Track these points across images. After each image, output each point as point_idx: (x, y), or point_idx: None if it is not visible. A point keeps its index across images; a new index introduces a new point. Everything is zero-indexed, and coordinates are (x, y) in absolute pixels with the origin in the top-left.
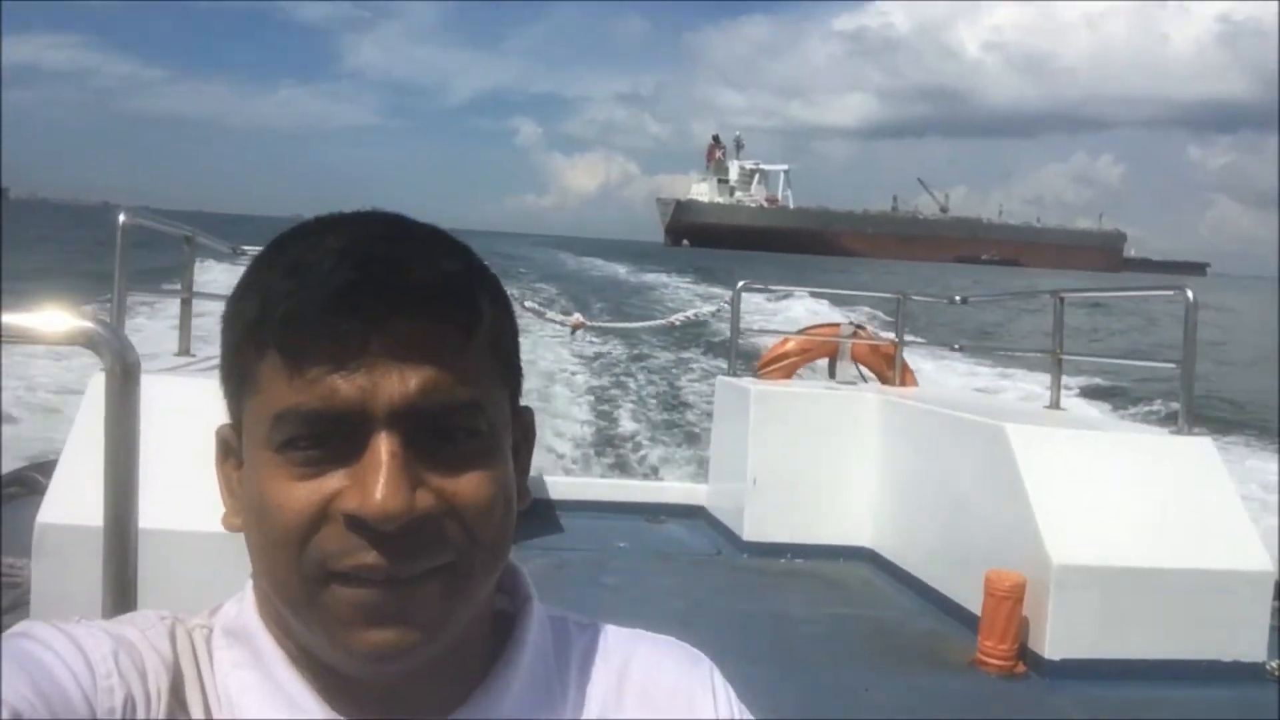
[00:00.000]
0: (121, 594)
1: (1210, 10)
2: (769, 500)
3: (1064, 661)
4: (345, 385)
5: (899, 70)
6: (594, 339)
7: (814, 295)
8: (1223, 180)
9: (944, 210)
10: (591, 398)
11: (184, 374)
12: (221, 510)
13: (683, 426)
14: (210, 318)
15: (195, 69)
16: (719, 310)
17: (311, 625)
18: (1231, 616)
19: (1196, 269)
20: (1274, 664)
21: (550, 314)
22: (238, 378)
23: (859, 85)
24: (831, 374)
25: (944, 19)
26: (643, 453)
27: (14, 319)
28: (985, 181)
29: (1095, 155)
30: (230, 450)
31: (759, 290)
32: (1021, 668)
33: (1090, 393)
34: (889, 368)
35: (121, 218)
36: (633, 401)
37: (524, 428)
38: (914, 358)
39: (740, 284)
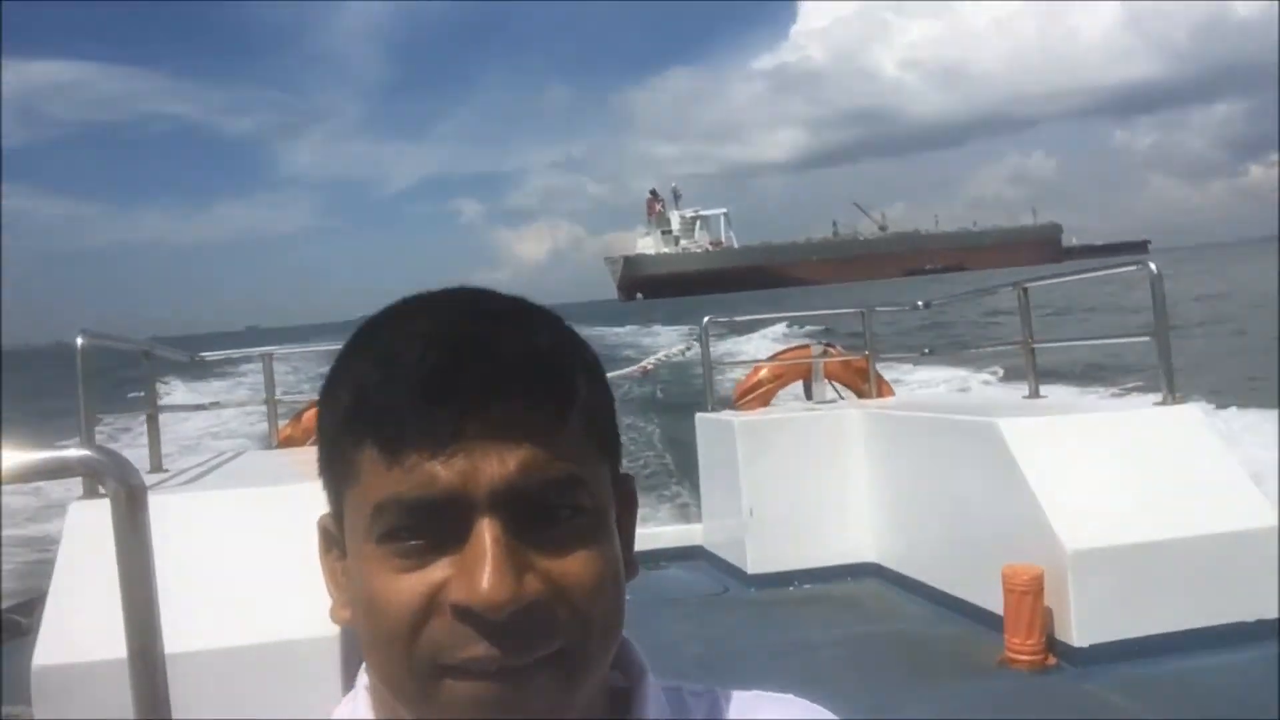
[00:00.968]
0: None
1: None
2: (769, 530)
3: (1093, 647)
4: (444, 471)
5: (824, 100)
6: None
7: (785, 322)
8: (1151, 158)
9: (883, 228)
10: None
11: (166, 490)
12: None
13: (660, 473)
14: (174, 430)
15: (129, 199)
16: (689, 348)
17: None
18: (1248, 576)
19: (1138, 247)
20: None
21: None
22: (337, 468)
23: (787, 120)
24: (808, 395)
25: (858, 44)
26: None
27: (7, 457)
28: (925, 194)
29: (1027, 153)
30: (333, 540)
31: (725, 323)
32: (1052, 660)
33: (1053, 379)
34: (863, 381)
35: (80, 340)
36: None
37: (625, 497)
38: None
39: (706, 319)
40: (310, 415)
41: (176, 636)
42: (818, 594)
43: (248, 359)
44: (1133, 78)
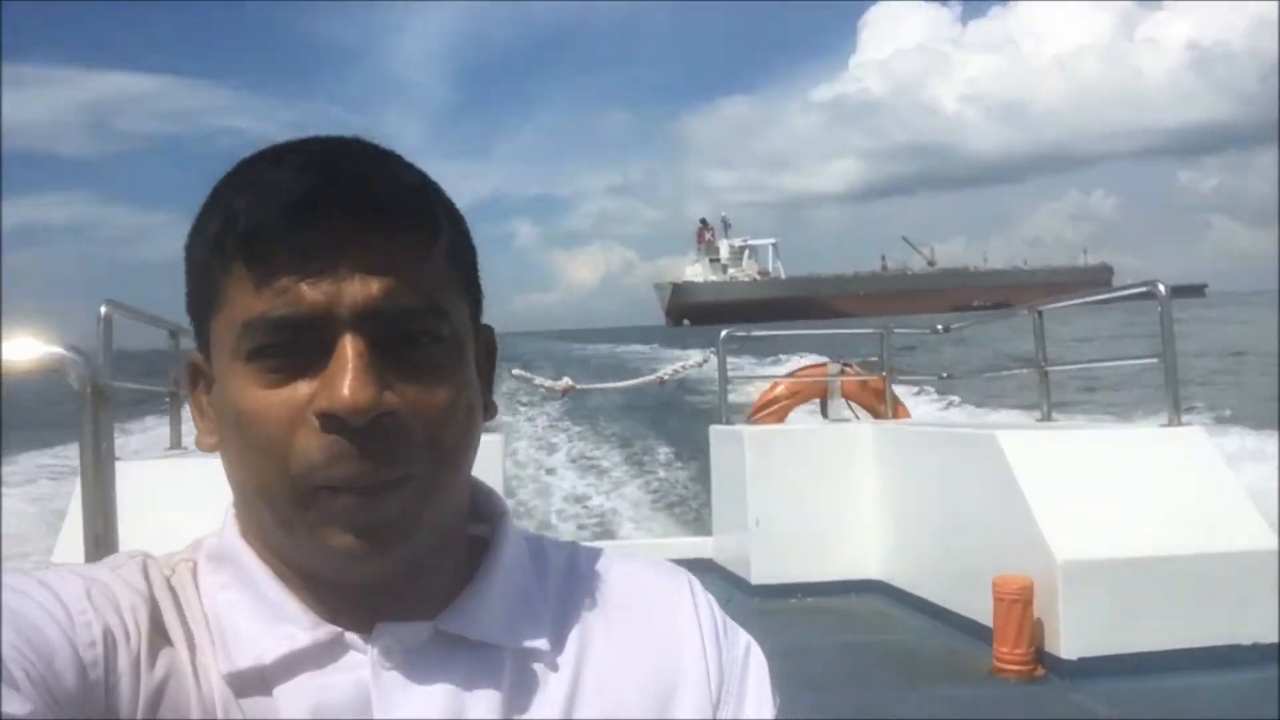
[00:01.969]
0: None
1: (1177, 40)
2: (774, 542)
3: (1081, 660)
4: (311, 291)
5: (881, 132)
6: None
7: (801, 339)
8: (1215, 201)
9: (931, 264)
10: (582, 470)
11: (180, 458)
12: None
13: (673, 490)
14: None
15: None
16: (705, 361)
17: (297, 530)
18: (1243, 598)
19: (1195, 291)
20: None
21: (539, 379)
22: (204, 297)
23: (844, 151)
24: (824, 414)
25: (918, 77)
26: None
27: None
28: (982, 230)
29: (1087, 191)
30: (200, 373)
31: (742, 337)
32: (1040, 671)
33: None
34: (880, 402)
35: (103, 309)
36: (625, 466)
37: (486, 346)
38: (903, 399)
39: (724, 332)
40: None
41: None
42: (819, 606)
43: None
44: (1198, 119)
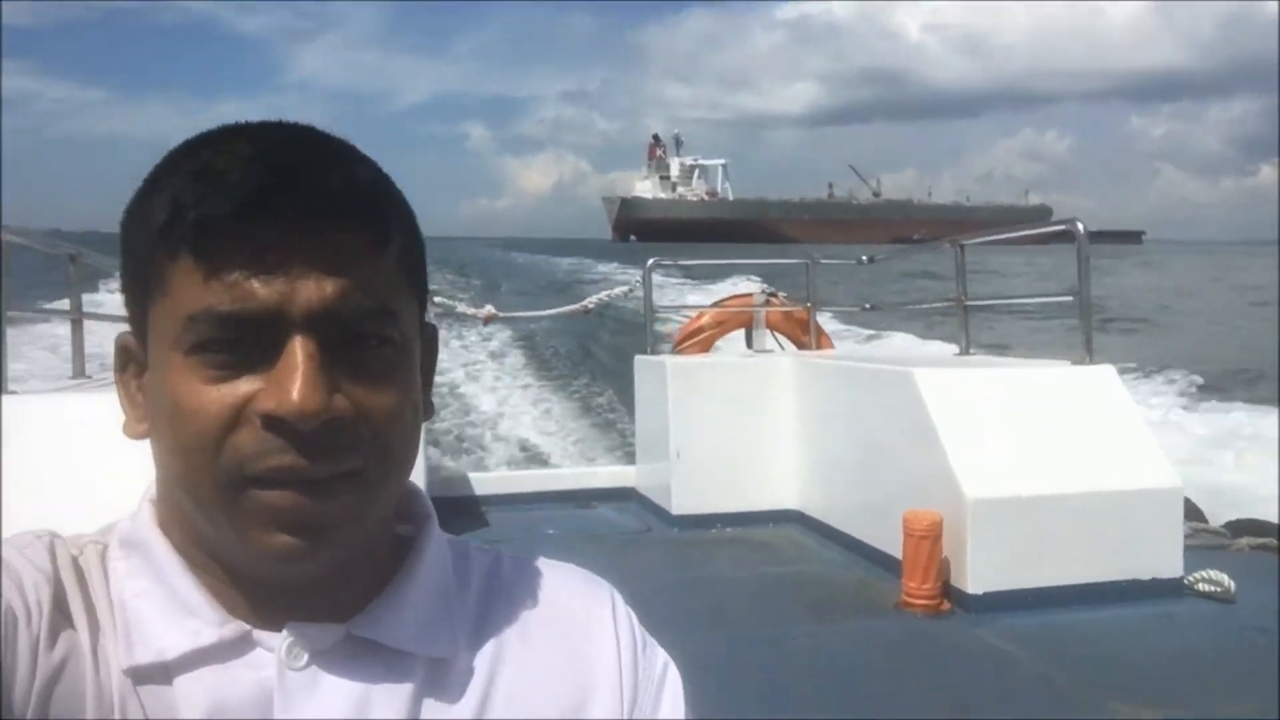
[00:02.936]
0: None
1: None
2: (695, 473)
3: (986, 595)
4: (262, 289)
5: (843, 55)
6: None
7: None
8: (1164, 148)
9: (876, 195)
10: (510, 394)
11: (78, 392)
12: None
13: (601, 413)
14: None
15: (134, 89)
16: (631, 290)
17: (223, 528)
18: (1146, 535)
19: (1132, 237)
20: (1192, 578)
21: (461, 306)
22: (144, 283)
23: (804, 73)
24: (749, 344)
25: (883, 2)
26: (567, 444)
27: None
28: (934, 163)
29: (1041, 131)
30: (131, 357)
31: (668, 266)
32: (946, 605)
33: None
34: (804, 333)
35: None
36: (553, 394)
37: (428, 342)
38: (830, 335)
39: (650, 261)
40: None
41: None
42: (737, 537)
43: None
44: (1156, 65)
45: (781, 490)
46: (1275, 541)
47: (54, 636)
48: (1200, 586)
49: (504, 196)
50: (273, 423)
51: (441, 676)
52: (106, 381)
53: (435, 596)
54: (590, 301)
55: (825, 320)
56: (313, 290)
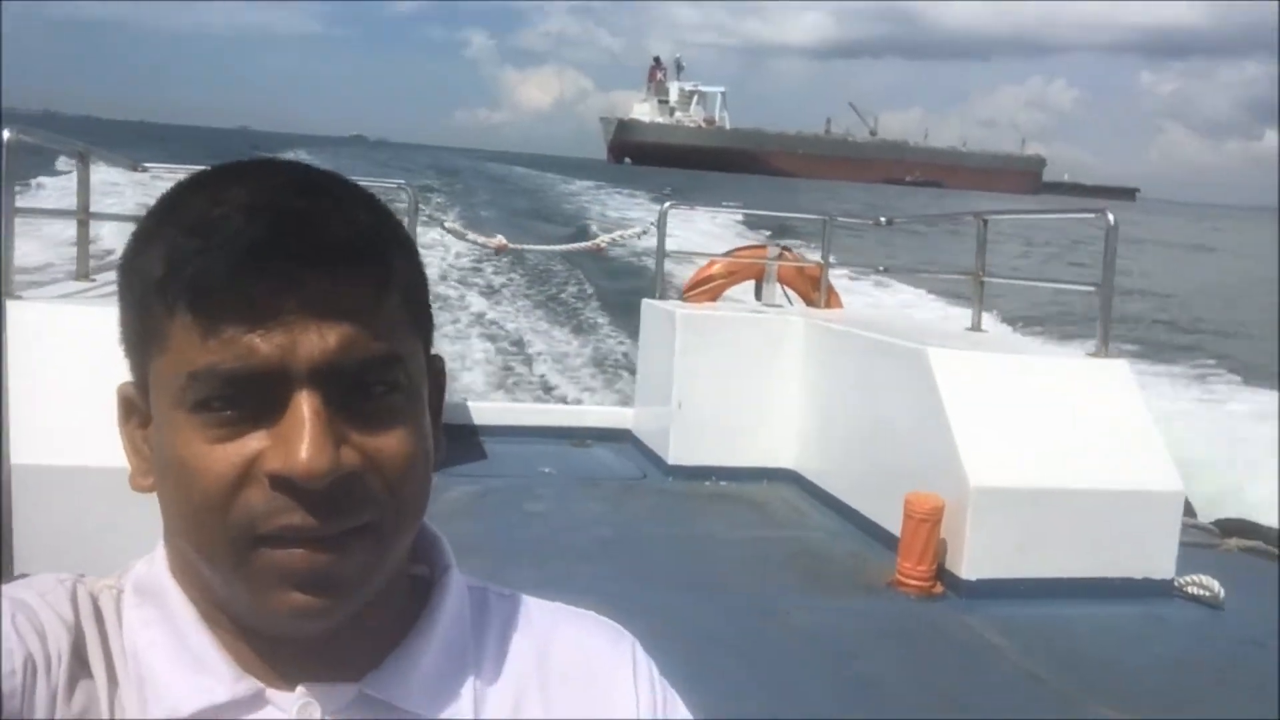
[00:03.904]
0: None
1: None
2: (694, 424)
3: (980, 582)
4: (263, 344)
5: None
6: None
7: (736, 216)
8: (1171, 106)
9: (873, 133)
10: (503, 326)
11: (82, 301)
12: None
13: (605, 355)
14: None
15: None
16: (645, 231)
17: (235, 586)
18: (1143, 535)
19: (1126, 194)
20: (1182, 580)
21: (471, 235)
22: (142, 335)
23: (815, 3)
24: (758, 296)
25: None
26: (564, 378)
27: None
28: (940, 104)
29: (1050, 79)
30: (134, 408)
31: (684, 208)
32: (939, 588)
33: (1013, 320)
34: (814, 290)
35: (6, 134)
36: (552, 327)
37: (435, 376)
38: (839, 285)
39: (666, 204)
40: None
41: (32, 448)
42: (732, 492)
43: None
44: (1170, 21)
45: (780, 449)
46: (1265, 545)
47: (72, 687)
48: (1190, 590)
49: (502, 109)
50: (281, 482)
51: None
52: (110, 289)
53: (451, 655)
54: (603, 240)
55: (835, 271)
56: (315, 342)
